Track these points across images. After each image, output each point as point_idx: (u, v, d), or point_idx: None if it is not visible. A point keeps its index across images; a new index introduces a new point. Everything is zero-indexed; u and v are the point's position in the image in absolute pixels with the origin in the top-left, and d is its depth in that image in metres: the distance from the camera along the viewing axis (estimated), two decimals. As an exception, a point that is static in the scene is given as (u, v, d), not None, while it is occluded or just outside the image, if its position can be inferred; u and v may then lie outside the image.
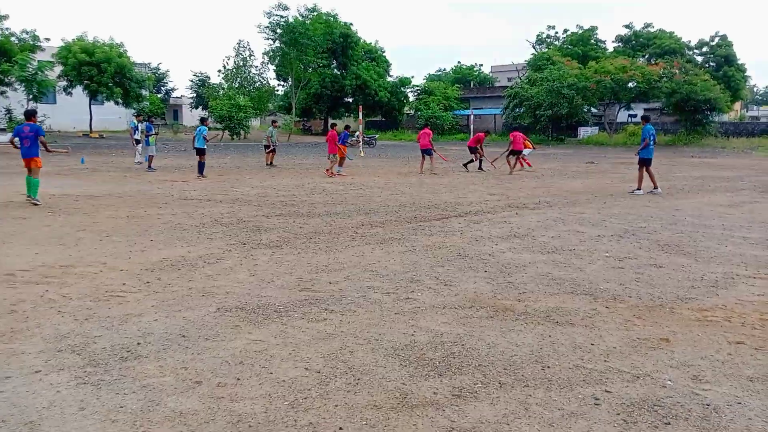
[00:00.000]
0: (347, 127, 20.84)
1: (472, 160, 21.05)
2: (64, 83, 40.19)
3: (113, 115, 47.80)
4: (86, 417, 3.18)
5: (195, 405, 3.33)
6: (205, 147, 17.23)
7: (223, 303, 5.16)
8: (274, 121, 23.44)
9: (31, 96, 36.40)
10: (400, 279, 6.00)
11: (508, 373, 3.76)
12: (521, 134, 20.76)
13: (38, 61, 37.21)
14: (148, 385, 3.57)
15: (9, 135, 31.84)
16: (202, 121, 18.17)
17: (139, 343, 4.22)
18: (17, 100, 37.04)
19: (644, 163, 14.05)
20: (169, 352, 4.08)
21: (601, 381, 3.68)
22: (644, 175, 14.05)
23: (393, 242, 7.88)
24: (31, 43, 38.50)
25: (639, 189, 14.05)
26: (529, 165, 21.40)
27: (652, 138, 14.18)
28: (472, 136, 22.10)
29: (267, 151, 21.67)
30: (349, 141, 20.86)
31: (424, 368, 3.83)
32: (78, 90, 40.78)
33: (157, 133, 18.45)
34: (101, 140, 37.50)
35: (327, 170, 18.43)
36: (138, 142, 20.82)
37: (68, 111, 44.26)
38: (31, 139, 11.03)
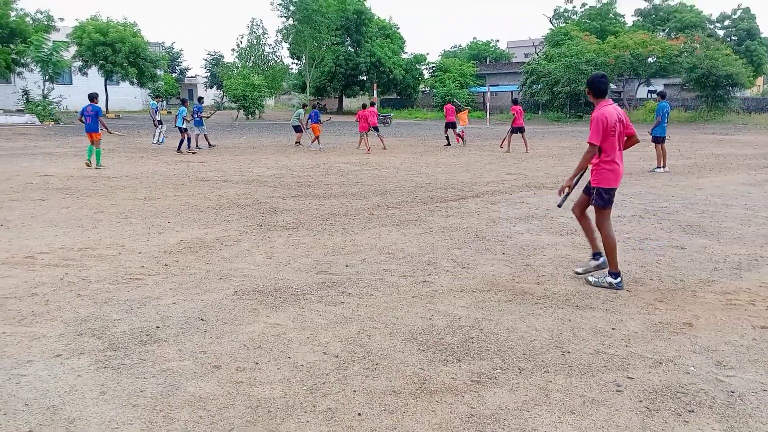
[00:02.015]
0: (315, 106, 21.67)
1: (447, 140, 22.25)
2: (79, 63, 40.34)
3: (128, 96, 47.95)
4: (107, 401, 3.20)
5: (214, 389, 3.34)
6: (185, 126, 18.28)
7: (241, 286, 5.17)
8: (304, 104, 24.14)
9: (47, 77, 36.52)
10: (417, 262, 5.96)
11: (528, 359, 3.73)
12: (521, 108, 20.42)
13: (53, 41, 37.26)
14: (168, 369, 3.58)
15: (27, 116, 32.39)
16: (183, 102, 19.41)
17: (158, 327, 4.24)
18: (33, 81, 37.22)
19: (658, 140, 13.93)
20: (187, 335, 4.09)
21: (622, 367, 3.63)
22: (663, 151, 13.89)
23: (409, 224, 7.84)
24: (46, 23, 38.56)
25: (659, 167, 13.85)
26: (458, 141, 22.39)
27: (665, 115, 14.05)
28: (452, 113, 22.98)
29: (298, 132, 22.03)
30: (321, 120, 21.45)
31: (442, 353, 3.80)
32: (93, 70, 40.93)
33: (208, 116, 19.48)
34: (118, 120, 37.64)
35: (367, 148, 19.52)
36: (160, 122, 21.06)
37: (84, 91, 44.24)
38: (92, 117, 13.74)
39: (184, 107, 18.78)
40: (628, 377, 3.49)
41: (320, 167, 14.67)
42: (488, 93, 42.14)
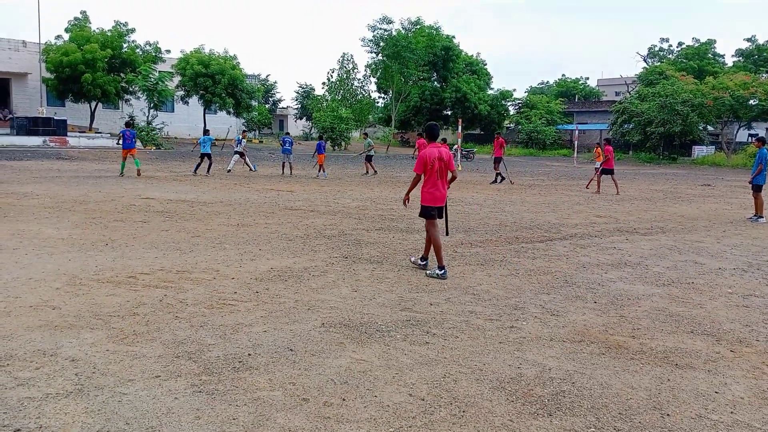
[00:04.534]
0: (320, 137, 24.94)
1: (496, 177, 21.60)
2: (181, 93, 42.68)
3: (224, 124, 50.41)
4: (201, 426, 3.31)
5: (302, 423, 3.38)
6: (210, 152, 20.96)
7: (328, 318, 5.25)
8: (365, 134, 25.91)
9: (152, 104, 39.00)
10: (504, 305, 5.85)
11: (624, 419, 3.55)
12: (612, 149, 19.80)
13: (159, 71, 39.72)
14: (259, 398, 3.67)
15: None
16: (206, 132, 21.88)
17: (249, 354, 4.36)
18: (139, 108, 39.90)
19: (759, 189, 13.18)
20: (277, 365, 4.18)
21: (728, 436, 3.39)
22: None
23: (494, 264, 7.73)
24: (154, 54, 41.23)
25: (761, 216, 13.02)
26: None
27: (766, 163, 13.30)
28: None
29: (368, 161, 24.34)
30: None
31: (532, 405, 3.69)
32: (194, 99, 43.28)
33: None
34: (214, 148, 39.52)
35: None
36: (242, 154, 22.66)
37: (184, 119, 47.26)
38: (130, 138, 18.84)
39: (207, 136, 21.03)
40: (736, 449, 3.25)
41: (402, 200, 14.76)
42: (576, 131, 41.23)
